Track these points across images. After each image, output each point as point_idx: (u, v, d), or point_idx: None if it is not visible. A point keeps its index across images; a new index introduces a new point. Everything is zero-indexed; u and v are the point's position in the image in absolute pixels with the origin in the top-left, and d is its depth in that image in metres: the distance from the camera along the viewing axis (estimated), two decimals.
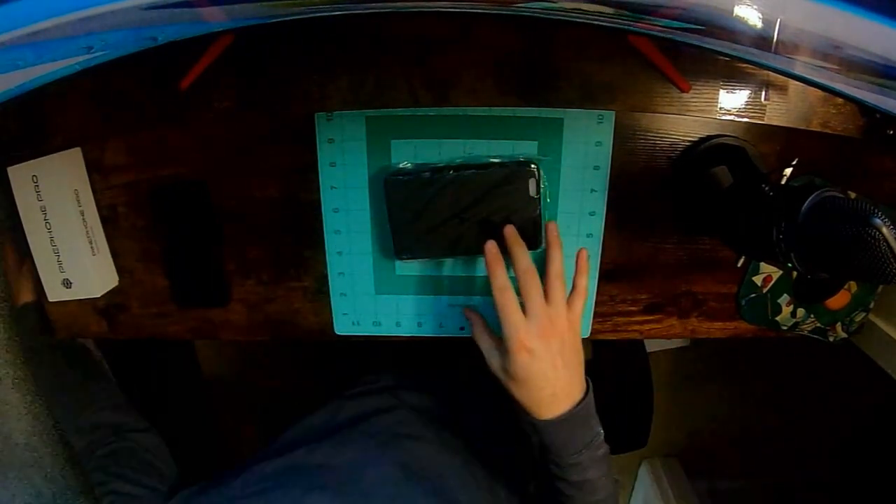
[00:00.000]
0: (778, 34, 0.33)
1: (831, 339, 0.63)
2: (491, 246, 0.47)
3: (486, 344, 0.48)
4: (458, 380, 0.69)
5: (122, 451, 0.57)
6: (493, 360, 0.47)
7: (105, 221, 0.58)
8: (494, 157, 0.53)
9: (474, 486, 0.52)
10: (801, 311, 0.60)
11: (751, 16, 0.33)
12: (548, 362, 0.44)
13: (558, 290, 0.46)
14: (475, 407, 0.65)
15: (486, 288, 0.57)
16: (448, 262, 0.57)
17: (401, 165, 0.53)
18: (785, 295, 0.59)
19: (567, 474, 0.47)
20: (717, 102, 0.50)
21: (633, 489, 1.51)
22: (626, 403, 0.86)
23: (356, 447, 0.52)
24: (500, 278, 0.45)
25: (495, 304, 0.45)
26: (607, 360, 0.84)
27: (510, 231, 0.49)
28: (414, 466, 0.50)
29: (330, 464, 0.49)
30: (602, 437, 0.49)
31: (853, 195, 0.54)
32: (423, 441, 0.55)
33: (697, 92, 0.49)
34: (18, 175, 0.52)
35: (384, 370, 0.68)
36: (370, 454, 0.51)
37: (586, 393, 0.47)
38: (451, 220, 0.53)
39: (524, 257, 0.46)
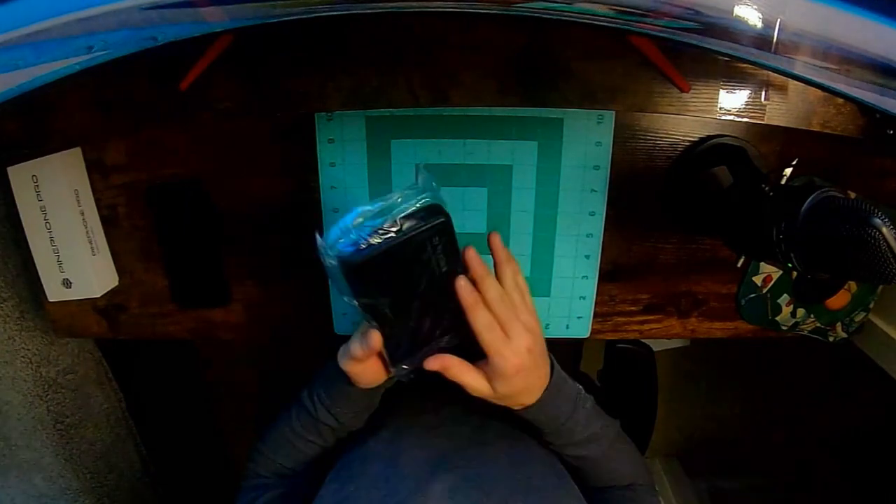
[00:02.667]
0: (778, 34, 0.33)
1: (831, 339, 0.63)
2: (463, 284, 0.43)
3: (471, 380, 0.46)
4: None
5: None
6: (484, 390, 0.46)
7: (105, 221, 0.58)
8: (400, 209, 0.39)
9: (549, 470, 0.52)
10: (801, 311, 0.60)
11: (751, 16, 0.33)
12: (534, 370, 0.46)
13: (522, 302, 0.45)
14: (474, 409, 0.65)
15: None
16: None
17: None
18: (785, 295, 0.59)
19: (569, 439, 0.50)
20: (717, 102, 0.50)
21: None
22: (631, 412, 0.86)
23: (457, 431, 0.52)
24: (484, 317, 0.43)
25: (481, 341, 0.43)
26: (617, 372, 0.85)
27: (472, 256, 0.44)
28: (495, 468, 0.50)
29: (432, 451, 0.49)
30: (584, 391, 0.51)
31: (853, 195, 0.54)
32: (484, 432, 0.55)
33: (697, 92, 0.49)
34: (18, 175, 0.52)
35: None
36: (460, 441, 0.51)
37: (552, 365, 0.49)
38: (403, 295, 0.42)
39: (494, 291, 0.44)
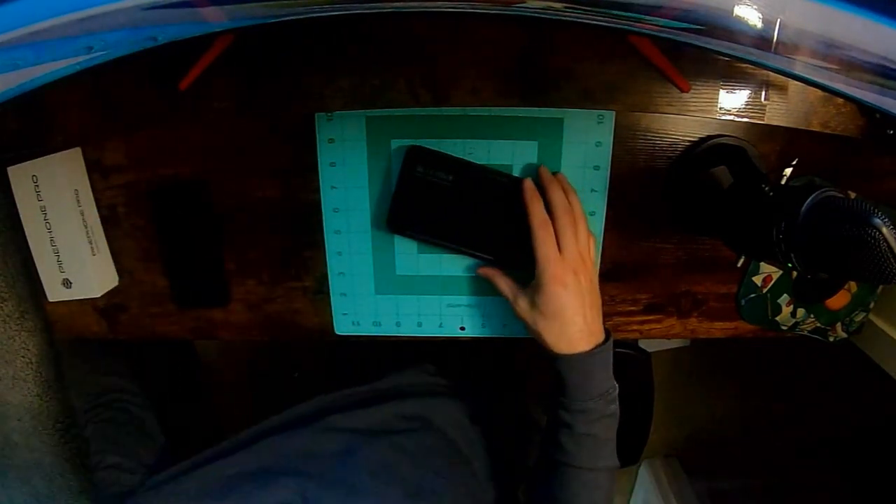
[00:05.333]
0: (778, 34, 0.33)
1: (831, 339, 0.63)
2: (529, 183, 0.49)
3: (511, 290, 0.50)
4: (457, 381, 0.69)
5: (120, 419, 0.57)
6: (521, 301, 0.49)
7: (105, 221, 0.58)
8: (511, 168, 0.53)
9: (463, 492, 0.52)
10: (801, 311, 0.60)
11: (751, 16, 0.33)
12: (578, 298, 0.46)
13: (584, 230, 0.48)
14: (473, 410, 0.65)
15: (487, 289, 0.57)
16: (448, 262, 0.57)
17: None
18: (785, 295, 0.59)
19: (575, 420, 0.47)
20: (717, 102, 0.50)
21: (633, 489, 1.51)
22: (626, 417, 0.86)
23: (342, 438, 0.53)
24: (540, 213, 0.47)
25: (533, 238, 0.47)
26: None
27: (545, 171, 0.51)
28: (399, 465, 0.51)
29: (312, 451, 0.50)
30: (616, 393, 0.49)
31: (853, 195, 0.54)
32: (413, 438, 0.55)
33: (697, 92, 0.49)
34: (18, 175, 0.52)
35: (380, 369, 0.68)
36: (354, 445, 0.51)
37: (607, 338, 0.49)
38: (457, 210, 0.53)
39: (561, 196, 0.48)
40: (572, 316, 0.46)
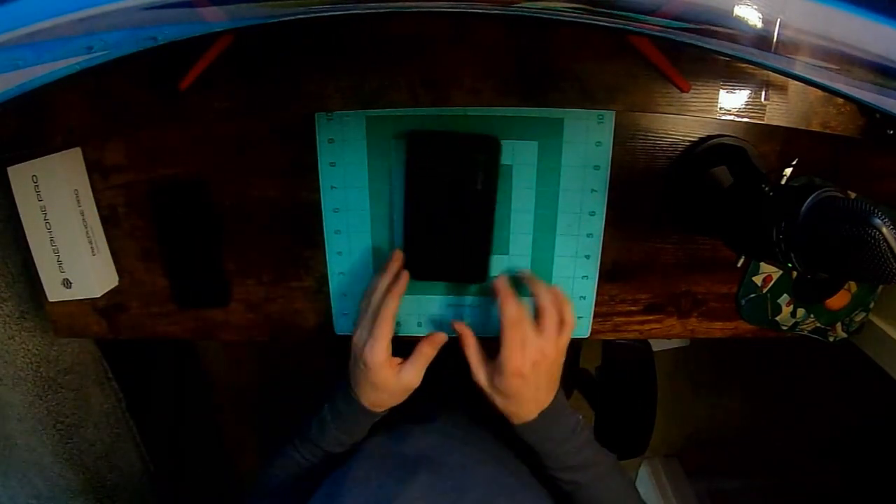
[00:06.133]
0: (778, 34, 0.33)
1: (831, 339, 0.63)
2: (502, 280, 0.52)
3: (475, 360, 0.52)
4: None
5: None
6: (481, 376, 0.51)
7: (105, 221, 0.58)
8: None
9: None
10: (801, 311, 0.60)
11: (751, 16, 0.33)
12: (533, 385, 0.49)
13: (552, 324, 0.50)
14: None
15: (484, 289, 0.57)
16: None
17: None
18: (785, 295, 0.59)
19: (564, 464, 0.51)
20: (717, 102, 0.50)
21: None
22: (630, 411, 0.85)
23: (439, 429, 0.54)
24: (511, 314, 0.49)
25: (501, 333, 0.49)
26: (615, 368, 0.85)
27: (532, 281, 0.53)
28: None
29: (408, 452, 0.50)
30: (582, 422, 0.53)
31: (853, 195, 0.54)
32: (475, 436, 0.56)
33: (697, 92, 0.49)
34: (18, 175, 0.52)
35: None
36: (449, 441, 0.52)
37: (554, 398, 0.52)
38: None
39: (544, 296, 0.51)
40: (526, 401, 0.50)
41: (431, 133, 0.52)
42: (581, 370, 0.89)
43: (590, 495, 0.52)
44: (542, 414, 0.50)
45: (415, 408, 0.56)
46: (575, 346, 0.89)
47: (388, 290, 0.51)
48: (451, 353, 0.65)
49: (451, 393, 0.62)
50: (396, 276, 0.53)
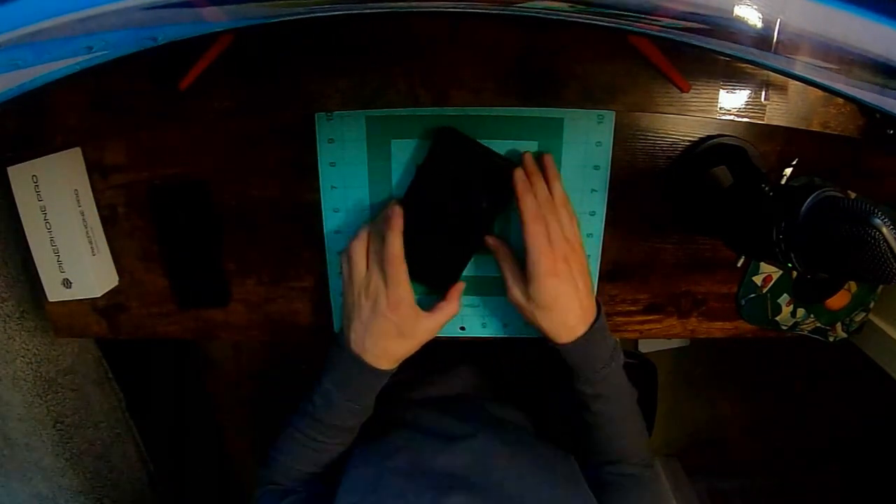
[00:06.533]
0: (778, 34, 0.33)
1: (831, 339, 0.63)
2: (520, 174, 0.49)
3: (509, 273, 0.50)
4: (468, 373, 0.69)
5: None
6: (516, 290, 0.49)
7: (105, 221, 0.58)
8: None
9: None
10: (801, 311, 0.60)
11: (751, 16, 0.33)
12: (571, 284, 0.47)
13: (567, 214, 0.49)
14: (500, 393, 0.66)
15: (486, 288, 0.57)
16: None
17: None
18: (785, 295, 0.59)
19: (599, 389, 0.50)
20: (717, 102, 0.50)
21: None
22: None
23: (471, 445, 0.51)
24: (532, 207, 0.48)
25: (525, 231, 0.47)
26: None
27: (528, 160, 0.51)
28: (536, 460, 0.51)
29: (448, 466, 0.48)
30: (619, 345, 0.52)
31: (853, 195, 0.54)
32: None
33: (697, 92, 0.49)
34: (18, 175, 0.52)
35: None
36: (489, 450, 0.51)
37: (599, 309, 0.51)
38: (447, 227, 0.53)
39: (543, 189, 0.49)
40: (567, 303, 0.48)
41: (464, 137, 0.52)
42: None
43: (610, 428, 0.52)
44: (591, 329, 0.49)
45: (443, 421, 0.56)
46: None
47: (390, 228, 0.49)
48: (474, 360, 0.65)
49: (477, 400, 0.62)
50: (393, 217, 0.50)
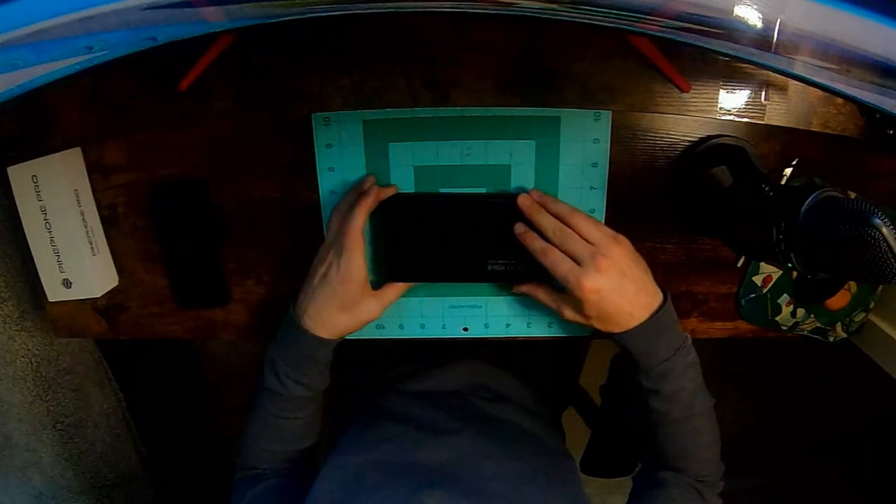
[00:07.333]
0: (778, 34, 0.33)
1: (831, 339, 0.63)
2: (520, 227, 0.49)
3: (554, 301, 0.50)
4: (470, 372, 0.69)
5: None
6: (567, 312, 0.49)
7: (105, 221, 0.58)
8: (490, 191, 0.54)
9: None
10: (801, 311, 0.60)
11: (751, 16, 0.33)
12: (616, 292, 0.46)
13: (586, 224, 0.48)
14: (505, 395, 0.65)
15: (489, 289, 0.57)
16: None
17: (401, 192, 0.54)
18: (785, 295, 0.59)
19: (658, 384, 0.49)
20: (717, 102, 0.50)
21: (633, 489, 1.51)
22: (629, 434, 0.85)
23: (457, 441, 0.52)
24: (537, 242, 0.48)
25: (545, 265, 0.47)
26: (622, 390, 0.84)
27: (524, 201, 0.50)
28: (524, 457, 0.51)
29: (430, 461, 0.48)
30: (690, 342, 0.50)
31: (853, 195, 0.54)
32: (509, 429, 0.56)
33: (697, 92, 0.49)
34: (18, 175, 0.52)
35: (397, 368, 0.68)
36: (476, 447, 0.51)
37: (664, 300, 0.49)
38: (443, 244, 0.53)
39: (547, 218, 0.49)
40: (617, 309, 0.47)
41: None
42: (580, 388, 0.88)
43: (673, 429, 0.50)
44: (647, 321, 0.47)
45: (433, 415, 0.56)
46: (575, 360, 0.88)
47: (357, 204, 0.50)
48: (466, 353, 0.65)
49: (471, 397, 0.62)
50: (366, 194, 0.51)
